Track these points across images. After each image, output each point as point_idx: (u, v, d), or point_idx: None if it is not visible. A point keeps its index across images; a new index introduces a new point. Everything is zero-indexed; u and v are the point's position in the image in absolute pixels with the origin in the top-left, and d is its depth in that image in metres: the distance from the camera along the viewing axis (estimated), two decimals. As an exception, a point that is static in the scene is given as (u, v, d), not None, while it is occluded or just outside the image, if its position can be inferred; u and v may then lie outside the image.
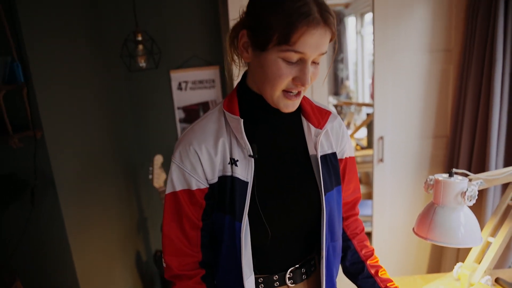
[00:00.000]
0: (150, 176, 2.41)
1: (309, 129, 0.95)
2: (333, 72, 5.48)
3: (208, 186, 0.89)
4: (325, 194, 0.92)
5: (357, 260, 1.09)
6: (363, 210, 3.12)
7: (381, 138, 2.29)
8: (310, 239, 0.97)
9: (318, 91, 2.27)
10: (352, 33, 5.35)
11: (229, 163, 0.88)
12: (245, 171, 0.87)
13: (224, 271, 0.94)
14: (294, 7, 0.74)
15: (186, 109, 2.68)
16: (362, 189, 3.89)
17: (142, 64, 2.20)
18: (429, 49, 2.19)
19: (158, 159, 2.42)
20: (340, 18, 5.47)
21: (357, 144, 3.55)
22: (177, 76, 2.60)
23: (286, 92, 0.83)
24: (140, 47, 2.17)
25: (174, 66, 2.54)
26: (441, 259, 2.35)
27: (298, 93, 0.85)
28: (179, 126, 2.68)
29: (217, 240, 0.93)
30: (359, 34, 4.97)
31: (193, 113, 2.69)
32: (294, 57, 0.78)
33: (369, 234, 3.04)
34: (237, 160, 0.87)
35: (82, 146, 2.06)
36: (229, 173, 0.87)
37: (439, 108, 2.26)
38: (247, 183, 0.86)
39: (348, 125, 4.33)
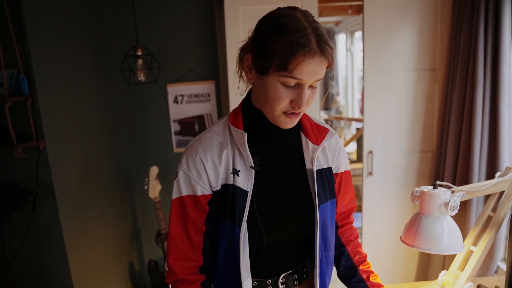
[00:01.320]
0: (146, 187, 2.46)
1: (307, 145, 1.02)
2: (324, 88, 5.62)
3: (211, 192, 0.96)
4: (319, 206, 0.99)
5: (350, 265, 1.16)
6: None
7: (371, 152, 2.39)
8: (304, 247, 1.04)
9: (310, 106, 2.36)
10: (342, 50, 5.52)
11: (231, 173, 0.95)
12: (246, 181, 0.94)
13: (223, 273, 1.00)
14: (294, 38, 0.81)
15: (181, 122, 2.75)
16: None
17: (141, 78, 2.27)
18: (416, 68, 2.31)
19: (154, 170, 2.48)
20: (331, 35, 5.64)
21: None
22: (173, 90, 2.67)
23: (285, 112, 0.91)
24: (140, 61, 2.24)
25: (171, 80, 2.62)
26: (428, 268, 2.43)
27: (297, 113, 0.92)
28: (174, 138, 2.74)
29: (217, 244, 1.00)
30: (349, 50, 5.14)
31: (188, 126, 2.76)
32: (292, 82, 0.85)
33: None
34: (239, 171, 0.95)
35: (81, 157, 2.11)
36: (231, 182, 0.95)
37: (426, 124, 2.37)
38: (247, 192, 0.94)
39: (338, 139, 4.43)
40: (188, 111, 2.74)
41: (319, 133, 1.03)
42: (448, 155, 2.19)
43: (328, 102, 5.51)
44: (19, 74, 1.71)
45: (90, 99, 2.21)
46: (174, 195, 0.97)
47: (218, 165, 0.95)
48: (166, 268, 0.99)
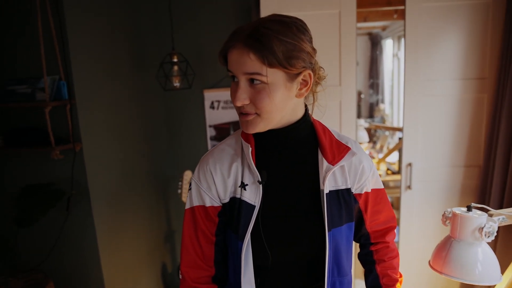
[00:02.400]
0: (179, 191, 2.50)
1: (322, 163, 0.96)
2: (366, 96, 5.45)
3: (221, 204, 0.96)
4: (329, 230, 0.92)
5: (376, 285, 1.08)
6: (391, 236, 3.05)
7: (410, 164, 2.26)
8: (313, 271, 0.98)
9: (345, 115, 2.28)
10: (389, 56, 5.31)
11: (239, 186, 0.93)
12: (253, 196, 0.92)
13: (232, 286, 0.99)
14: (231, 34, 0.86)
15: (217, 127, 2.77)
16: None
17: (176, 84, 2.32)
18: (462, 77, 2.15)
19: (188, 175, 2.51)
20: (377, 41, 5.45)
21: (388, 169, 3.48)
22: (210, 95, 2.70)
23: (240, 112, 0.89)
24: (175, 68, 2.29)
25: (207, 86, 2.65)
26: (471, 293, 2.25)
27: (248, 114, 0.87)
28: (209, 143, 2.77)
29: (227, 257, 1.00)
30: (395, 56, 4.93)
31: (223, 131, 2.77)
32: (231, 75, 0.87)
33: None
34: (247, 185, 0.93)
35: (117, 159, 2.18)
36: (238, 196, 0.93)
37: (472, 137, 2.20)
38: (254, 206, 0.91)
39: (381, 149, 4.26)
40: (224, 116, 2.76)
41: (337, 152, 0.96)
42: (497, 171, 2.02)
43: (372, 110, 5.32)
44: (60, 80, 1.81)
45: (127, 103, 2.29)
46: (187, 205, 0.99)
47: (227, 177, 0.94)
48: (180, 276, 1.00)
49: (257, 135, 0.94)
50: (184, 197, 2.49)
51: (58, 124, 1.82)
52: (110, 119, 2.12)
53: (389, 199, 4.10)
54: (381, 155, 3.88)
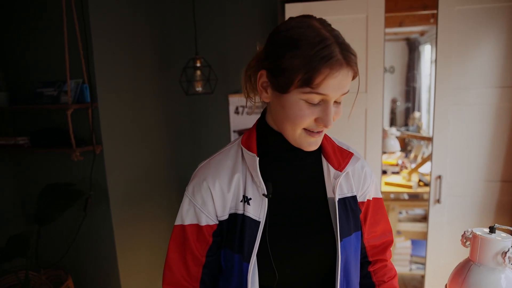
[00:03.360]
0: (200, 195, 2.50)
1: (329, 171, 0.91)
2: (402, 103, 5.24)
3: (217, 222, 0.88)
4: (341, 240, 0.86)
5: None
6: (420, 250, 2.89)
7: (439, 177, 2.12)
8: (323, 286, 0.91)
9: (372, 122, 2.19)
10: (427, 62, 5.09)
11: (241, 201, 0.86)
12: (258, 210, 0.85)
13: None
14: (315, 50, 0.73)
15: (241, 132, 2.75)
16: (425, 228, 3.61)
17: (199, 88, 2.32)
18: (499, 85, 2.00)
19: (209, 180, 2.51)
20: (415, 46, 5.24)
21: (420, 180, 3.31)
22: (234, 101, 2.68)
23: (307, 130, 0.82)
24: (198, 73, 2.30)
25: (232, 91, 2.64)
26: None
27: (321, 131, 0.83)
28: (233, 148, 2.75)
29: (226, 277, 0.92)
30: (434, 62, 4.72)
31: (247, 136, 2.75)
32: (316, 98, 0.76)
33: (422, 277, 2.79)
34: (250, 199, 0.85)
35: (138, 163, 2.21)
36: (240, 211, 0.86)
37: (510, 149, 2.03)
38: (259, 222, 0.84)
39: (415, 158, 4.06)
40: (248, 122, 2.73)
41: (342, 158, 0.91)
42: (536, 188, 1.85)
43: (407, 118, 5.11)
44: (83, 84, 1.86)
45: (149, 107, 2.32)
46: (177, 222, 0.91)
47: (226, 192, 0.86)
48: None
49: (260, 144, 0.89)
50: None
51: (80, 126, 1.87)
52: (131, 123, 2.15)
53: (422, 212, 3.90)
54: (414, 165, 3.70)
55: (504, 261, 0.93)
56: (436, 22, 2.05)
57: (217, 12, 2.53)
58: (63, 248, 2.02)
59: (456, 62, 2.02)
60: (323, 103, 0.78)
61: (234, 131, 2.75)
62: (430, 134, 4.52)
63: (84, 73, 1.85)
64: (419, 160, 3.96)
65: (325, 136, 0.94)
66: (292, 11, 2.20)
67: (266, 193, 0.84)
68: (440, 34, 2.03)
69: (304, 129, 0.81)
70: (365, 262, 1.04)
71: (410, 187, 3.21)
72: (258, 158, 0.85)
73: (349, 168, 0.91)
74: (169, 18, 2.51)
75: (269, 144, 0.89)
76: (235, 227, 0.86)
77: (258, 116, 2.98)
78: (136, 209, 2.20)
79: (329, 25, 0.79)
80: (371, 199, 1.00)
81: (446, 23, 2.01)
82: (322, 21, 0.79)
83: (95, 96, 1.87)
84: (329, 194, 0.90)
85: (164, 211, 2.50)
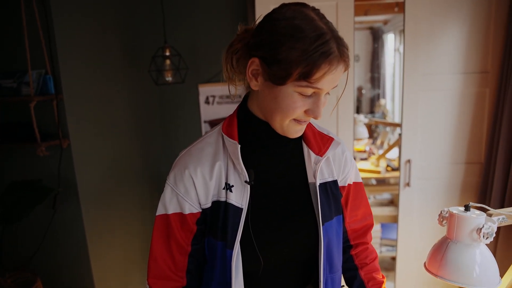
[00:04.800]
0: (173, 188, 2.45)
1: (309, 156, 0.92)
2: (367, 91, 5.37)
3: (200, 210, 0.87)
4: (323, 224, 0.88)
5: None
6: (392, 233, 2.99)
7: (409, 161, 2.19)
8: (306, 270, 0.93)
9: (342, 110, 2.22)
10: (391, 50, 5.22)
11: (223, 188, 0.86)
12: (240, 197, 0.85)
13: None
14: (315, 45, 0.73)
15: (212, 122, 2.71)
16: (394, 211, 3.74)
17: (169, 78, 2.26)
18: (464, 71, 2.08)
19: (182, 172, 2.46)
20: (379, 35, 5.36)
21: (388, 165, 3.42)
22: (205, 90, 2.64)
23: (295, 120, 0.82)
24: (168, 62, 2.23)
25: (202, 80, 2.59)
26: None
27: (307, 121, 0.85)
28: (205, 139, 2.71)
29: (210, 266, 0.91)
30: (397, 51, 4.85)
31: (219, 127, 2.72)
32: (310, 91, 0.77)
33: (393, 259, 2.90)
34: (232, 186, 0.85)
35: (107, 156, 2.13)
36: (223, 199, 0.85)
37: (473, 132, 2.13)
38: (241, 209, 0.84)
39: (381, 145, 4.19)
40: (219, 112, 2.70)
41: (322, 143, 0.92)
42: (498, 168, 1.95)
43: (372, 105, 5.24)
44: (46, 74, 1.76)
45: (118, 98, 2.23)
46: (159, 212, 0.89)
47: (209, 180, 0.86)
48: (147, 287, 0.92)
49: (241, 131, 0.88)
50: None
51: (44, 120, 1.77)
52: (99, 115, 2.06)
53: (389, 196, 4.04)
54: (381, 151, 3.81)
55: (480, 236, 0.97)
56: (403, 11, 2.10)
57: (186, 0, 2.46)
58: (31, 249, 1.92)
59: (423, 49, 2.09)
60: (315, 95, 0.79)
61: (205, 122, 2.71)
62: (395, 121, 4.67)
63: (46, 63, 1.74)
64: (385, 146, 4.09)
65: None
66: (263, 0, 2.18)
67: (248, 180, 0.84)
68: (407, 22, 2.08)
69: (293, 119, 0.82)
70: (346, 247, 1.07)
71: (378, 172, 3.31)
72: (239, 146, 0.84)
73: (329, 153, 0.92)
74: (136, 5, 2.41)
75: (252, 132, 0.88)
76: (218, 214, 0.85)
77: (228, 105, 2.93)
78: (107, 205, 2.13)
79: (324, 16, 0.79)
80: (352, 183, 1.02)
81: (413, 11, 2.06)
82: (317, 12, 0.79)
83: (59, 87, 1.77)
84: (310, 179, 0.92)
85: (136, 205, 2.43)
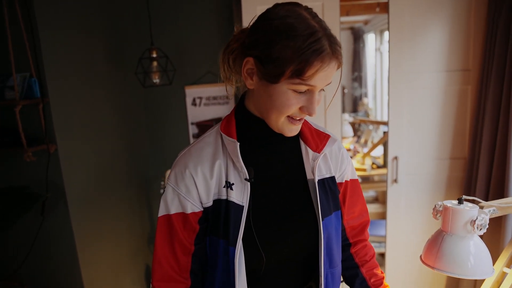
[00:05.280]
0: (162, 191, 2.43)
1: (307, 153, 0.94)
2: (351, 90, 5.45)
3: (202, 209, 0.88)
4: (323, 220, 0.90)
5: None
6: (378, 230, 3.05)
7: (396, 158, 2.24)
8: (307, 266, 0.94)
9: (330, 109, 2.24)
10: (372, 50, 5.32)
11: (224, 187, 0.86)
12: (240, 195, 0.86)
13: None
14: (307, 43, 0.74)
15: (199, 124, 2.70)
16: (380, 208, 3.80)
17: (156, 80, 2.24)
18: (447, 69, 2.14)
19: (170, 174, 2.44)
20: (360, 35, 5.45)
21: (373, 163, 3.48)
22: (191, 92, 2.62)
23: (290, 118, 0.83)
24: (155, 63, 2.21)
25: (189, 82, 2.58)
26: (459, 283, 2.25)
27: (302, 119, 0.86)
28: (192, 141, 2.69)
29: (211, 265, 0.91)
30: (378, 50, 4.94)
31: (206, 128, 2.67)
32: (303, 88, 0.79)
33: (382, 255, 2.95)
34: (233, 184, 0.86)
35: (95, 160, 2.09)
36: (224, 197, 0.86)
37: (457, 129, 2.20)
38: (242, 206, 0.85)
39: (365, 143, 4.26)
40: (206, 113, 2.69)
41: (319, 140, 0.94)
42: (482, 163, 2.01)
43: (355, 105, 5.32)
44: (31, 78, 1.71)
45: (105, 101, 2.19)
46: (161, 213, 0.89)
47: (209, 179, 0.86)
48: None
49: (239, 130, 0.89)
50: (167, 197, 2.41)
51: (30, 124, 1.73)
52: (86, 118, 2.02)
53: (375, 193, 4.11)
54: (365, 150, 3.87)
55: (474, 228, 1.00)
56: (387, 11, 2.14)
57: (171, 1, 2.44)
58: (18, 258, 1.86)
59: (407, 48, 2.13)
60: (309, 92, 0.80)
61: (192, 123, 2.69)
62: (378, 119, 4.76)
63: (31, 66, 1.70)
64: (369, 144, 4.16)
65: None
66: (249, 0, 2.18)
67: (248, 177, 0.85)
68: (391, 22, 2.12)
69: (288, 116, 0.83)
70: (346, 245, 1.08)
71: (364, 170, 3.36)
72: (238, 144, 0.85)
73: (326, 149, 0.94)
74: (122, 7, 2.38)
75: (250, 130, 0.90)
76: (219, 212, 0.86)
77: (215, 107, 2.91)
78: (95, 209, 2.09)
79: (316, 15, 0.80)
80: (349, 180, 1.04)
81: (397, 11, 2.11)
82: (309, 11, 0.80)
83: (45, 91, 1.73)
84: (309, 176, 0.93)
85: (124, 208, 2.40)
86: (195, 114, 2.68)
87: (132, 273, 2.48)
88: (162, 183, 2.43)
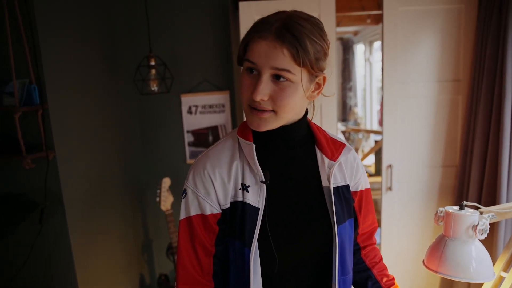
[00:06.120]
0: (158, 199, 2.41)
1: (323, 161, 0.95)
2: (341, 99, 5.53)
3: (220, 211, 0.89)
4: (337, 226, 0.91)
5: None
6: (371, 238, 3.08)
7: (390, 166, 2.28)
8: (320, 273, 0.95)
9: (326, 118, 2.28)
10: (361, 60, 5.43)
11: (240, 189, 0.88)
12: (256, 197, 0.87)
13: None
14: (255, 23, 0.82)
15: (195, 132, 2.70)
16: (370, 216, 3.85)
17: (154, 88, 2.24)
18: (438, 79, 2.21)
19: (166, 182, 2.43)
20: (349, 46, 5.56)
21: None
22: (187, 100, 2.63)
23: (251, 107, 0.84)
24: (153, 71, 2.22)
25: (185, 90, 2.59)
26: (452, 291, 2.30)
27: (264, 111, 0.84)
28: (187, 149, 2.69)
29: (227, 267, 0.92)
30: (367, 61, 5.04)
31: (202, 137, 2.71)
32: (248, 65, 0.82)
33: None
34: (249, 186, 0.88)
35: (92, 168, 2.08)
36: (240, 199, 0.88)
37: (449, 137, 2.26)
38: (258, 209, 0.86)
39: (356, 151, 4.32)
40: (202, 122, 2.69)
41: (335, 148, 0.96)
42: (473, 170, 2.07)
43: (345, 114, 5.40)
44: (30, 84, 1.70)
45: (102, 109, 2.19)
46: (182, 216, 0.90)
47: (227, 182, 0.89)
48: None
49: (256, 134, 0.91)
50: (163, 205, 2.40)
51: (29, 131, 1.71)
52: (84, 125, 2.01)
53: (367, 201, 4.16)
54: (357, 158, 3.92)
55: (475, 233, 1.03)
56: (382, 22, 2.20)
57: (170, 10, 2.46)
58: (15, 266, 1.82)
59: (400, 59, 2.20)
60: (258, 76, 0.82)
61: (188, 132, 2.69)
62: (368, 128, 4.84)
63: (31, 73, 1.69)
64: (359, 153, 4.22)
65: (318, 128, 0.99)
66: (245, 9, 2.22)
67: (264, 179, 0.87)
68: (386, 33, 2.18)
69: (249, 106, 0.84)
70: (356, 250, 1.10)
71: (357, 178, 3.40)
72: (254, 145, 0.88)
73: (342, 158, 0.95)
74: (121, 15, 2.39)
75: (266, 134, 0.91)
76: (236, 214, 0.88)
77: (211, 115, 2.91)
78: (92, 219, 2.06)
79: (301, 16, 0.82)
80: (364, 189, 1.05)
81: (391, 23, 2.17)
82: (292, 11, 0.84)
83: (44, 97, 1.72)
84: (324, 183, 0.95)
85: (119, 216, 2.38)
86: (191, 122, 2.69)
87: (127, 282, 2.45)
88: (158, 191, 2.41)
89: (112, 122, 2.30)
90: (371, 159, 3.71)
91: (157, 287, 2.73)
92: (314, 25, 0.83)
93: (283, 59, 0.78)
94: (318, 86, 0.89)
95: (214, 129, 2.70)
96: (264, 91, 0.80)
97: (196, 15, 2.47)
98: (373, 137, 4.23)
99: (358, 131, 4.35)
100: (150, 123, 2.66)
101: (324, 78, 0.89)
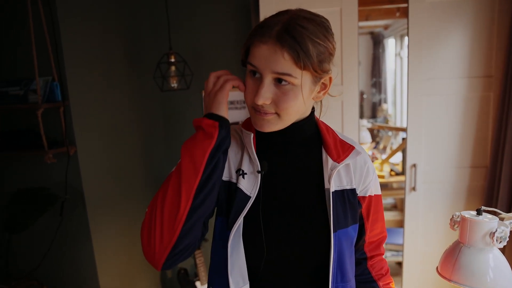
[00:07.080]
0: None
1: (327, 162, 0.93)
2: (369, 96, 5.39)
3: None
4: (335, 231, 0.88)
5: None
6: (395, 238, 2.99)
7: (414, 165, 2.19)
8: (316, 279, 0.91)
9: (347, 115, 2.22)
10: (392, 55, 5.25)
11: (237, 172, 0.90)
12: (250, 186, 0.87)
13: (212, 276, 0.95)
14: (257, 27, 0.81)
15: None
16: (398, 216, 3.73)
17: (174, 84, 2.26)
18: (468, 75, 2.09)
19: (187, 177, 2.46)
20: (380, 40, 5.39)
21: (391, 170, 3.42)
22: (209, 97, 2.64)
23: (255, 110, 0.84)
24: (173, 68, 2.24)
25: (206, 87, 2.60)
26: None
27: (263, 112, 0.83)
28: (209, 145, 2.71)
29: (213, 249, 0.94)
30: (398, 55, 4.87)
31: (223, 133, 2.71)
32: (250, 68, 0.82)
33: (399, 264, 2.89)
34: (246, 173, 0.88)
35: (113, 163, 2.13)
36: (234, 181, 0.89)
37: (478, 137, 2.14)
38: (249, 197, 0.86)
39: (384, 149, 4.19)
40: (222, 118, 2.70)
41: (342, 150, 0.93)
42: (504, 171, 1.95)
43: (374, 110, 5.25)
44: (53, 81, 1.76)
45: (123, 105, 2.24)
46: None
47: (230, 159, 0.91)
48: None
49: (259, 131, 0.90)
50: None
51: (51, 127, 1.77)
52: (105, 121, 2.06)
53: (393, 201, 4.03)
54: (384, 156, 3.81)
55: (493, 241, 0.97)
56: (407, 16, 2.11)
57: (190, 6, 2.47)
58: (37, 257, 1.91)
59: (426, 54, 2.10)
60: (260, 79, 0.81)
61: (209, 128, 2.70)
62: (397, 125, 4.68)
63: (53, 70, 1.75)
64: (388, 150, 4.09)
65: (327, 128, 0.97)
66: (266, 4, 2.19)
67: (260, 169, 0.87)
68: (411, 27, 2.09)
69: (253, 108, 0.84)
70: (363, 258, 1.06)
71: (382, 177, 3.30)
72: (253, 134, 0.89)
73: (348, 160, 0.92)
74: (141, 13, 2.43)
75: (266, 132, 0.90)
76: (226, 193, 0.89)
77: (231, 111, 2.91)
78: (113, 212, 2.12)
79: (304, 17, 0.80)
80: (373, 195, 1.00)
81: (417, 16, 2.07)
82: (294, 10, 0.82)
83: (66, 94, 1.78)
84: (327, 185, 0.92)
85: (140, 211, 2.43)
86: (212, 118, 2.70)
87: (148, 275, 2.51)
88: (178, 186, 2.45)
89: (134, 118, 2.35)
90: (398, 157, 3.58)
91: (177, 281, 2.78)
92: (318, 26, 0.80)
93: (284, 63, 0.77)
94: (324, 87, 0.88)
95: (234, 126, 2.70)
96: (266, 95, 0.80)
97: (216, 10, 2.47)
98: (402, 135, 4.09)
99: (383, 128, 4.22)
100: (172, 119, 2.70)
101: (330, 79, 0.87)
